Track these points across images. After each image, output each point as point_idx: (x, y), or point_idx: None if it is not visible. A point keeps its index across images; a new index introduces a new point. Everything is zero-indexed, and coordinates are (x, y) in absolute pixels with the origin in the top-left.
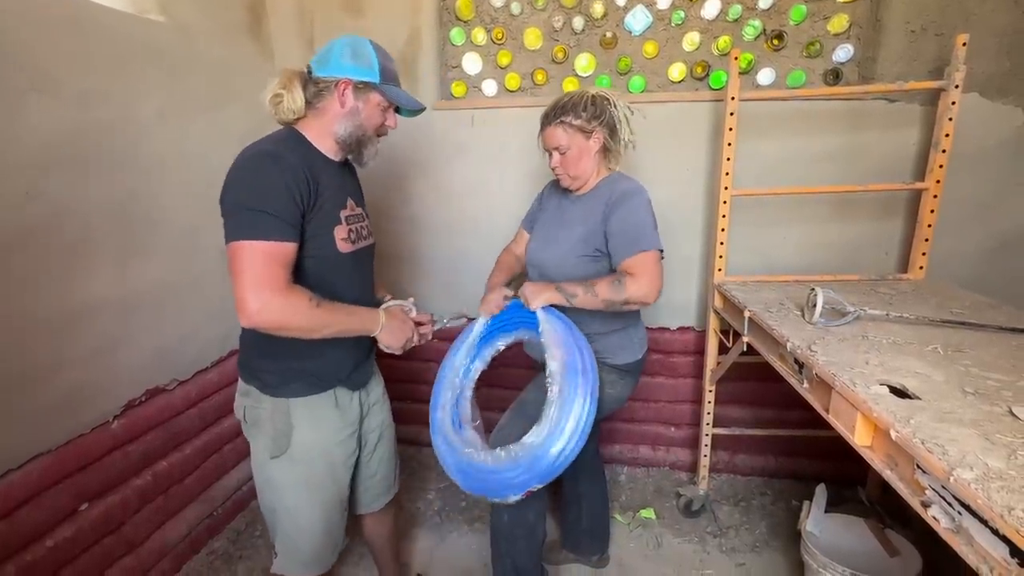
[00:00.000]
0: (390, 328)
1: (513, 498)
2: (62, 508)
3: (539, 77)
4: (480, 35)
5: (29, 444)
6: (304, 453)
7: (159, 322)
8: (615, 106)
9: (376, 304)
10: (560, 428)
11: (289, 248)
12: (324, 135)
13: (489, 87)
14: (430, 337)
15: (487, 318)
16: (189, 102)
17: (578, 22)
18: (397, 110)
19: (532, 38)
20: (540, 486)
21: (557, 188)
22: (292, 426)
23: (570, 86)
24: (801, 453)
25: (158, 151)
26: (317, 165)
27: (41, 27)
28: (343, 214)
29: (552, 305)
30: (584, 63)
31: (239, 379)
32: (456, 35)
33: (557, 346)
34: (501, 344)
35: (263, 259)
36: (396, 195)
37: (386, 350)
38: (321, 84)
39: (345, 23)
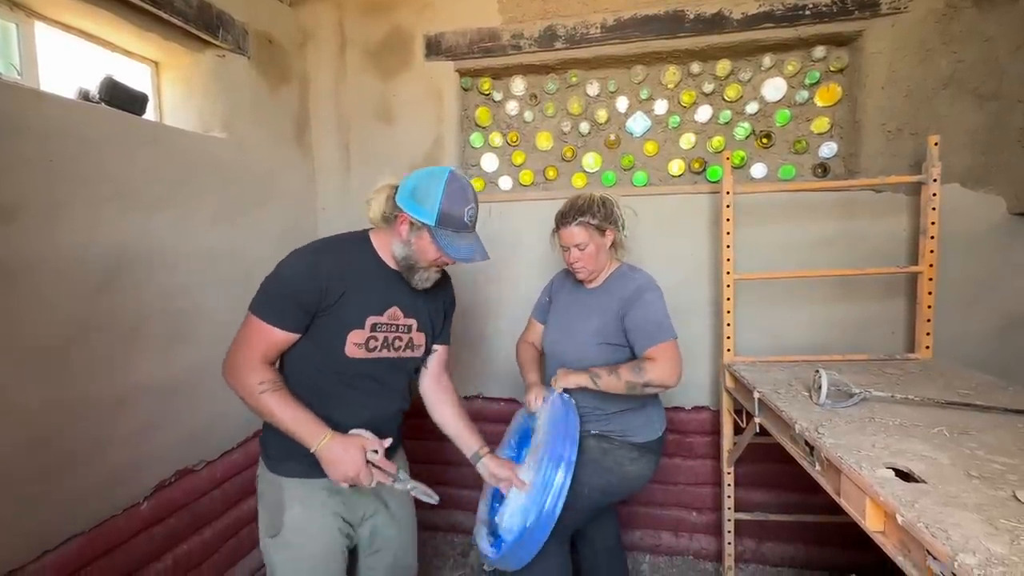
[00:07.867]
0: (330, 453)
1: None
2: None
3: (550, 173)
4: (497, 138)
5: (67, 525)
6: (296, 535)
7: (194, 404)
8: (617, 206)
9: (385, 417)
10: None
11: (277, 334)
12: (386, 248)
13: (505, 183)
14: (387, 483)
15: (527, 414)
16: (238, 204)
17: (584, 126)
18: None
19: (543, 140)
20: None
21: (568, 280)
22: (284, 506)
23: (579, 181)
24: (832, 541)
25: (209, 247)
26: (361, 271)
27: (127, 146)
28: (372, 320)
29: (580, 388)
30: (591, 161)
31: None
32: (476, 139)
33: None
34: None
35: (252, 334)
36: None
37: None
38: (394, 206)
39: (378, 130)
